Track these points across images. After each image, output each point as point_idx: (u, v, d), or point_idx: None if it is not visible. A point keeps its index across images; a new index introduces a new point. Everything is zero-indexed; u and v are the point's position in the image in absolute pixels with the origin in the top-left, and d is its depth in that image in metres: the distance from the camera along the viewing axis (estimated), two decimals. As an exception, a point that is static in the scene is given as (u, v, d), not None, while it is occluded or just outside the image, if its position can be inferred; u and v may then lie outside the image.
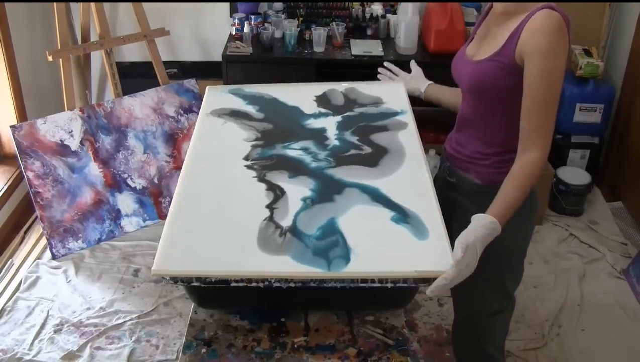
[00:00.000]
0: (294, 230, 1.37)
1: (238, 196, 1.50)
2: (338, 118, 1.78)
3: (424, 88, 1.90)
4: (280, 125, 1.77)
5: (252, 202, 1.46)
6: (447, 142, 1.77)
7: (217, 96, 1.93)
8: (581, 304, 2.64)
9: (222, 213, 1.44)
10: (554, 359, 2.36)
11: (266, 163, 1.60)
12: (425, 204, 1.46)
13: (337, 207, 1.44)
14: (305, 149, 1.65)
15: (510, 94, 1.49)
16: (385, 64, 1.99)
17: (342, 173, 1.55)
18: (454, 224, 1.56)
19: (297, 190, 1.49)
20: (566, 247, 3.00)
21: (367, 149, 1.65)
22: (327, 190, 1.49)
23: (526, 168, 1.44)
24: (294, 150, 1.65)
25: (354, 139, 1.69)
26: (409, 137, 1.70)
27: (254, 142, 1.69)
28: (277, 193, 1.48)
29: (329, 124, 1.76)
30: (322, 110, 1.83)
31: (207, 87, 1.98)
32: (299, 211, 1.43)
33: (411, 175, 1.57)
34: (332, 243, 1.34)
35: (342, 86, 1.95)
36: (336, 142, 1.67)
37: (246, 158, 1.63)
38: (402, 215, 1.42)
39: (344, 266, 1.29)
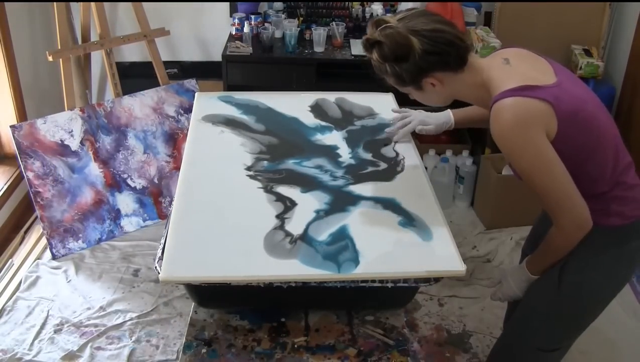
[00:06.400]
0: (304, 237, 1.36)
1: (243, 203, 1.47)
2: (344, 134, 1.78)
3: (451, 120, 1.74)
4: (286, 138, 1.74)
5: (258, 210, 1.44)
6: None
7: (207, 102, 1.88)
8: (581, 304, 2.64)
9: (225, 220, 1.41)
10: (554, 359, 2.36)
11: (274, 176, 1.56)
12: (425, 204, 1.48)
13: (349, 216, 1.44)
14: (319, 167, 1.62)
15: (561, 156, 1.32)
16: (393, 111, 1.87)
17: (360, 189, 1.54)
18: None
19: (310, 203, 1.47)
20: (566, 247, 3.00)
21: (383, 165, 1.65)
22: (342, 202, 1.48)
23: (551, 237, 1.43)
24: (307, 168, 1.61)
25: (369, 156, 1.69)
26: (405, 145, 1.73)
27: (258, 155, 1.65)
28: (288, 204, 1.46)
29: (338, 140, 1.74)
30: (322, 123, 1.83)
31: (196, 93, 1.94)
32: (311, 221, 1.42)
33: (412, 180, 1.59)
34: (341, 247, 1.34)
35: (332, 96, 1.95)
36: (352, 161, 1.66)
37: (248, 169, 1.59)
38: (408, 219, 1.44)
39: (353, 268, 1.29)
